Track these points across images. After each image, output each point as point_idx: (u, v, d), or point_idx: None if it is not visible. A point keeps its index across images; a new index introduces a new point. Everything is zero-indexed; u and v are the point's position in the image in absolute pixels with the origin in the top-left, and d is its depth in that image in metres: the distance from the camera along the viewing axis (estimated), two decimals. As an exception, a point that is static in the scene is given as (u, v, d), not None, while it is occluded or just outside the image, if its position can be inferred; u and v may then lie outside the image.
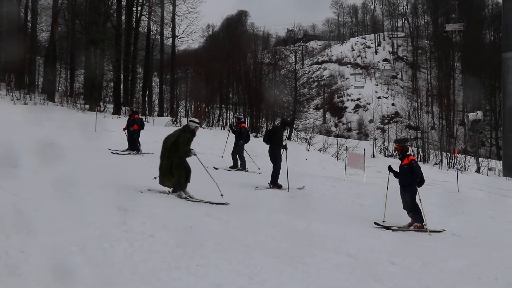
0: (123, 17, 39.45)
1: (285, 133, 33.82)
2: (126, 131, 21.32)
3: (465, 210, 16.45)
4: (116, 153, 19.77)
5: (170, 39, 42.20)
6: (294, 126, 38.71)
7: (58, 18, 37.42)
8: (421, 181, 12.37)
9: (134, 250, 7.27)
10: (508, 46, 43.81)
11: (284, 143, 16.24)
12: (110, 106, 35.88)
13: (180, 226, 8.78)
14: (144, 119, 22.63)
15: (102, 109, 33.43)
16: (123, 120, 31.08)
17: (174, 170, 11.84)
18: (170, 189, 11.75)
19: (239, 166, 19.24)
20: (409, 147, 13.97)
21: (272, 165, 15.80)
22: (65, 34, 41.26)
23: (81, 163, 14.65)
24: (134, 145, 20.66)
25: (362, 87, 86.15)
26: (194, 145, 26.26)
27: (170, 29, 42.14)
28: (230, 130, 19.63)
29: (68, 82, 42.02)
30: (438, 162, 36.34)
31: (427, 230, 11.56)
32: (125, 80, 39.52)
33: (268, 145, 16.03)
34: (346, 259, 8.40)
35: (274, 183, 15.54)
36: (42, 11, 40.03)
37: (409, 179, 12.06)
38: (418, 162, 13.35)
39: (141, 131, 21.37)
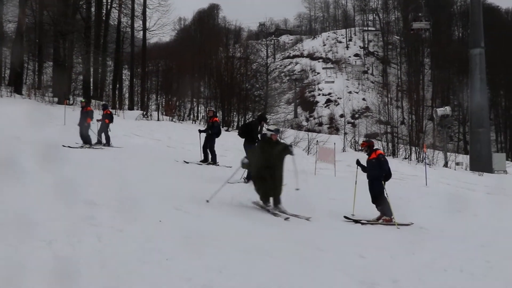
0: (92, 9, 39.02)
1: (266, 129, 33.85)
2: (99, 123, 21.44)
3: (432, 204, 16.72)
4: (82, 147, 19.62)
5: (141, 32, 41.95)
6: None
7: (26, 9, 36.74)
8: (388, 175, 12.50)
9: (103, 244, 7.20)
10: (475, 43, 44.56)
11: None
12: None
13: (150, 220, 8.74)
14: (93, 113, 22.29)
15: (71, 102, 33.03)
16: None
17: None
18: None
19: (210, 160, 19.19)
20: (374, 141, 14.08)
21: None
22: (33, 26, 40.54)
23: (48, 157, 14.47)
24: (86, 139, 20.25)
25: (333, 82, 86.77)
26: (164, 138, 26.18)
27: (140, 22, 41.92)
28: (200, 133, 19.42)
29: (36, 75, 41.37)
30: (407, 157, 36.87)
31: (395, 224, 11.71)
32: (95, 73, 39.11)
33: (243, 140, 15.89)
34: (315, 252, 8.46)
35: (250, 178, 15.45)
36: (9, 1, 39.15)
37: (377, 173, 12.19)
38: (388, 157, 13.52)
39: (91, 123, 20.99)
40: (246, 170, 15.40)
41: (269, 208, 11.29)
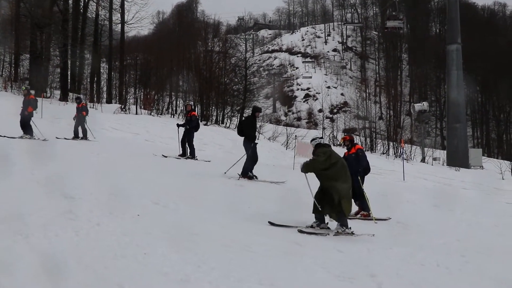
0: (70, 2, 38.55)
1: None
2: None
3: (410, 198, 16.87)
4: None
5: (119, 25, 41.57)
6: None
7: (2, 0, 36.21)
8: (366, 169, 12.63)
9: (80, 238, 7.15)
10: (452, 39, 44.99)
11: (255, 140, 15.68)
12: (57, 92, 35.12)
13: (127, 214, 8.69)
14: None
15: (48, 95, 32.66)
16: (70, 106, 30.55)
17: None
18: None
19: (188, 154, 19.15)
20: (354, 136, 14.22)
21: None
22: (9, 17, 39.94)
23: (25, 151, 14.32)
24: (26, 129, 19.22)
25: (310, 77, 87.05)
26: (143, 132, 26.03)
27: (119, 15, 41.52)
28: (178, 127, 19.40)
29: (13, 67, 40.81)
30: (385, 152, 37.16)
31: (373, 219, 11.78)
32: (73, 66, 38.71)
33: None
34: (294, 247, 8.48)
35: (244, 174, 15.41)
36: (-16, -7, 38.66)
37: (355, 168, 12.26)
38: (366, 152, 13.61)
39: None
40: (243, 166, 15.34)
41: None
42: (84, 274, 5.93)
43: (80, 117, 21.15)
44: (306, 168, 9.88)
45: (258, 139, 15.38)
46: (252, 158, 15.38)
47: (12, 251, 6.29)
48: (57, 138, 19.61)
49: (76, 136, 20.97)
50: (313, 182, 10.13)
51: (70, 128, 20.98)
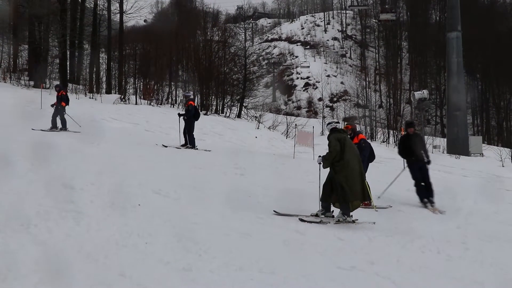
0: (68, -9, 38.35)
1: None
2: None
3: (410, 187, 16.87)
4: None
5: (118, 15, 41.38)
6: (244, 104, 38.76)
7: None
8: (371, 157, 12.88)
9: (81, 228, 7.17)
10: (452, 26, 44.85)
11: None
12: (56, 83, 35.03)
13: (128, 204, 8.71)
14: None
15: (47, 85, 32.61)
16: (70, 97, 30.46)
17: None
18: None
19: (188, 144, 19.16)
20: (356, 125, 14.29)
21: None
22: (7, 8, 39.73)
23: (25, 141, 14.31)
24: (63, 123, 19.79)
25: (308, 66, 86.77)
26: (142, 122, 26.00)
27: (117, 5, 41.29)
28: (180, 117, 19.41)
29: (11, 58, 40.68)
30: (385, 140, 37.15)
31: (373, 207, 11.80)
32: (72, 57, 38.59)
33: None
34: (294, 235, 8.51)
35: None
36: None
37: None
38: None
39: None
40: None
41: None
42: (85, 263, 5.95)
43: (59, 107, 20.12)
44: (326, 163, 9.97)
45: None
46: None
47: (13, 241, 6.30)
48: (32, 129, 18.79)
49: (54, 127, 19.91)
50: (323, 171, 10.17)
51: (68, 119, 20.72)
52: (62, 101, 20.28)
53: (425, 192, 12.84)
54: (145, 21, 52.26)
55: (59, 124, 20.10)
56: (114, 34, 42.66)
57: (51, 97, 26.05)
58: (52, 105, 20.40)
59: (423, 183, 12.97)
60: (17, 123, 18.49)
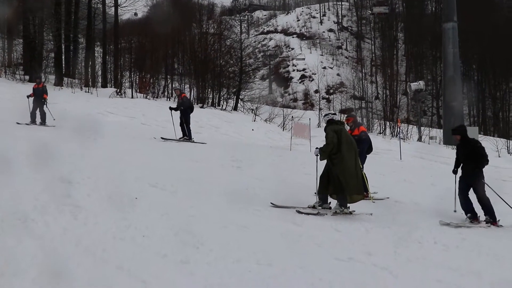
0: (62, -15, 38.15)
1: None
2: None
3: (407, 177, 16.93)
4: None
5: (113, 8, 41.23)
6: (240, 97, 38.73)
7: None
8: (369, 150, 12.90)
9: (78, 222, 7.17)
10: (448, 17, 44.85)
11: None
12: (52, 77, 34.93)
13: (126, 197, 8.70)
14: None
15: (43, 80, 32.50)
16: (65, 91, 30.42)
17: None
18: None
19: (186, 136, 19.19)
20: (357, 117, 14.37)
21: None
22: (0, 1, 39.51)
23: (21, 136, 14.29)
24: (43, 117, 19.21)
25: (303, 59, 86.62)
26: (139, 115, 25.96)
27: (112, -2, 41.16)
28: (171, 110, 19.40)
29: (6, 52, 40.53)
30: (381, 131, 37.18)
31: (371, 198, 11.82)
32: (67, 51, 38.46)
33: None
34: (291, 227, 8.52)
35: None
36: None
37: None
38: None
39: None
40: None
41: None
42: (83, 257, 5.95)
43: (39, 100, 19.27)
44: (323, 155, 9.97)
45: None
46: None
47: (10, 236, 6.29)
48: (18, 123, 18.39)
49: (33, 121, 19.10)
50: (320, 162, 10.18)
51: (65, 113, 20.59)
52: (44, 93, 19.48)
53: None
54: (135, 14, 52.05)
55: (38, 119, 19.30)
56: (109, 28, 42.52)
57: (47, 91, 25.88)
58: (28, 96, 19.40)
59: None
60: (12, 118, 18.45)
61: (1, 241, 6.09)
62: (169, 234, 7.07)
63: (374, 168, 15.19)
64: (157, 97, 35.81)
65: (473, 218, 10.33)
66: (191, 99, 34.04)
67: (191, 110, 19.58)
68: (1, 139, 12.98)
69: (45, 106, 19.43)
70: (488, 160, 10.72)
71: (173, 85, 36.73)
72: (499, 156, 29.16)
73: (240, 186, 11.30)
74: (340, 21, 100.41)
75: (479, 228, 9.99)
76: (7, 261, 5.54)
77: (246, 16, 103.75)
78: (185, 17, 51.44)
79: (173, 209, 8.53)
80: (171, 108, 19.56)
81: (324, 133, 10.14)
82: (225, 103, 37.96)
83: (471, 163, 10.61)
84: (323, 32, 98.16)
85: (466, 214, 10.45)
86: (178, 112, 19.30)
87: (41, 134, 16.26)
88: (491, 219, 10.20)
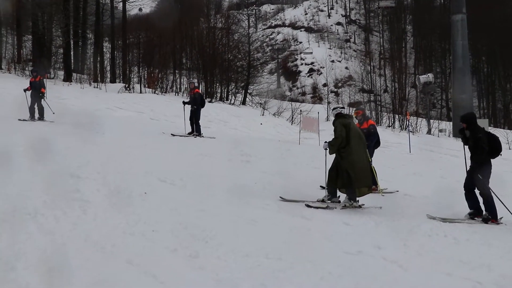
0: (70, -19, 38.20)
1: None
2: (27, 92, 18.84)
3: (416, 170, 16.86)
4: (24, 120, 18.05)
5: (121, 4, 41.26)
6: (249, 91, 38.70)
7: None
8: (377, 143, 12.82)
9: (87, 217, 7.20)
10: (457, 8, 44.50)
11: None
12: (61, 73, 35.04)
13: (135, 192, 8.73)
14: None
15: (52, 76, 32.61)
16: (74, 88, 30.50)
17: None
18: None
19: (195, 131, 19.23)
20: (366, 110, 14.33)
21: None
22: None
23: (29, 131, 14.35)
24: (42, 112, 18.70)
25: (311, 53, 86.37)
26: (147, 110, 25.99)
27: (120, -7, 41.17)
28: (184, 105, 19.47)
29: (15, 48, 40.66)
30: (390, 125, 37.06)
31: (380, 192, 11.78)
32: (76, 46, 38.55)
33: None
34: (300, 221, 8.51)
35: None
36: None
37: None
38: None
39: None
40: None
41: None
42: (92, 252, 5.97)
43: (38, 94, 18.64)
44: (332, 149, 9.97)
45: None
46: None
47: (20, 231, 6.32)
48: (19, 120, 17.95)
49: (32, 116, 18.57)
50: (328, 156, 10.17)
51: (74, 108, 20.66)
52: (42, 87, 18.95)
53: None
54: (140, 10, 52.09)
55: (36, 114, 18.74)
56: (118, 23, 42.56)
57: (56, 87, 26.00)
58: (25, 90, 18.83)
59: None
60: (20, 114, 18.49)
61: (11, 236, 6.12)
62: (178, 229, 7.08)
63: (384, 161, 15.16)
64: (165, 92, 35.85)
65: (474, 215, 9.89)
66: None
67: (202, 106, 19.68)
68: (8, 134, 13.02)
69: (43, 100, 18.89)
70: (487, 152, 9.72)
71: (188, 79, 36.60)
72: (509, 148, 28.98)
73: (249, 181, 11.29)
74: (348, 14, 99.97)
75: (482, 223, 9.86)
76: (17, 255, 5.57)
77: (254, 10, 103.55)
78: (193, 12, 51.42)
79: (182, 204, 8.54)
80: (184, 103, 19.62)
81: (333, 127, 10.11)
82: (233, 97, 37.97)
83: (472, 155, 9.96)
84: (331, 25, 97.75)
85: (469, 209, 9.99)
86: (189, 106, 19.39)
87: (49, 129, 16.30)
88: (490, 216, 9.77)
